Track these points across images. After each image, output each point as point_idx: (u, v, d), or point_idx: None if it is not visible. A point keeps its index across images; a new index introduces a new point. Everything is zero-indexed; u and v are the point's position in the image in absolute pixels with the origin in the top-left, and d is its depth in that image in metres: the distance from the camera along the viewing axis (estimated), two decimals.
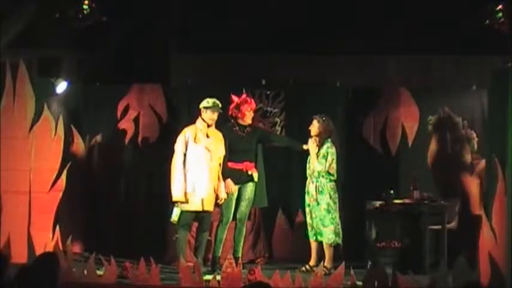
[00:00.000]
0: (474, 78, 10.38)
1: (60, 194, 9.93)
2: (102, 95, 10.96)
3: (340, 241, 9.43)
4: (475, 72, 10.36)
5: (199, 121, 9.44)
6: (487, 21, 8.96)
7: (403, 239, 9.58)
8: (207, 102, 9.39)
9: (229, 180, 9.45)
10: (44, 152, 9.85)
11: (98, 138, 10.89)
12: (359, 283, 8.34)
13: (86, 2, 9.47)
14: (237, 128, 9.58)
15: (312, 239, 9.51)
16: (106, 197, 10.83)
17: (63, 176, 9.98)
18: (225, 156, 9.48)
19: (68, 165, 10.06)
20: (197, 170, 9.31)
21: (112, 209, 10.78)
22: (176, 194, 9.27)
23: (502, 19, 8.86)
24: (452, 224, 9.93)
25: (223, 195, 9.40)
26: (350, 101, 10.79)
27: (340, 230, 9.44)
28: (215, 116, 9.38)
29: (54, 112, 10.01)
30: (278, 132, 10.79)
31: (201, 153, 9.33)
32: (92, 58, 10.55)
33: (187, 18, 10.67)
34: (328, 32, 10.26)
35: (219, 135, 9.48)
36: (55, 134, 9.94)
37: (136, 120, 10.95)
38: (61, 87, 10.23)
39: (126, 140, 10.95)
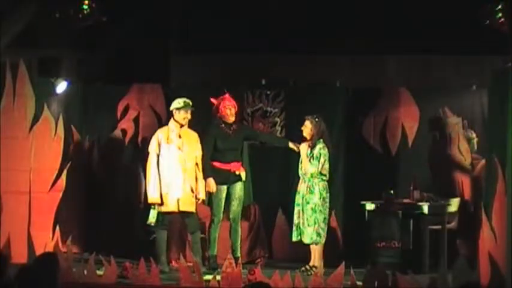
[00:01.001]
0: (474, 78, 10.38)
1: (60, 194, 9.94)
2: (102, 95, 10.95)
3: (320, 241, 9.35)
4: (475, 72, 10.36)
5: (171, 122, 9.44)
6: (487, 21, 8.96)
7: (403, 239, 9.58)
8: (178, 103, 9.38)
9: (210, 179, 9.44)
10: (44, 152, 9.85)
11: (98, 138, 10.87)
12: (359, 283, 8.34)
13: (86, 2, 9.47)
14: (224, 125, 9.59)
15: (294, 239, 9.48)
16: (106, 197, 10.82)
17: (63, 176, 9.99)
18: (202, 156, 9.47)
19: (68, 165, 10.07)
20: (171, 170, 9.33)
21: (112, 208, 10.77)
22: (151, 195, 9.31)
23: (502, 19, 8.86)
24: (452, 224, 9.92)
25: (201, 196, 9.40)
26: (350, 101, 10.78)
27: (323, 230, 9.37)
28: (188, 115, 9.38)
29: (54, 112, 10.01)
30: (278, 133, 10.79)
31: (174, 154, 9.34)
32: (92, 58, 10.55)
33: (187, 18, 10.67)
34: (328, 32, 10.27)
35: (193, 135, 9.47)
36: (55, 134, 9.94)
37: (136, 120, 10.94)
38: (61, 87, 10.22)
39: (126, 140, 10.95)
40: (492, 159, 8.63)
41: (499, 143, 8.57)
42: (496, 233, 8.49)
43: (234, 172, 9.59)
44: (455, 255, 8.87)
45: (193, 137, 9.46)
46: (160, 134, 9.44)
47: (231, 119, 9.60)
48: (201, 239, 9.66)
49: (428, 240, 9.53)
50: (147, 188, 9.37)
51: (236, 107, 9.71)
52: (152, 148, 9.40)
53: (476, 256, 8.66)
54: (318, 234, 9.33)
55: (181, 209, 9.34)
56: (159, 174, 9.31)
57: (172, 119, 9.45)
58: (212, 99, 9.67)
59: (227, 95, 9.66)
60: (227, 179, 9.56)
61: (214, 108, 9.62)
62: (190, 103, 9.39)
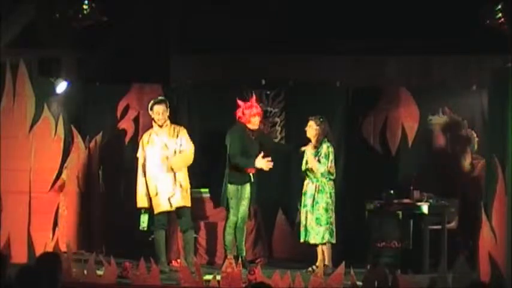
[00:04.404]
0: (474, 78, 10.38)
1: (60, 194, 9.94)
2: (102, 95, 10.95)
3: (333, 240, 9.42)
4: (475, 72, 10.36)
5: (153, 123, 9.50)
6: (487, 21, 8.96)
7: (403, 239, 9.58)
8: (149, 104, 9.45)
9: (261, 160, 9.49)
10: (44, 152, 9.86)
11: (98, 138, 10.87)
12: (359, 283, 8.34)
13: (86, 2, 9.47)
14: (248, 130, 9.64)
15: (302, 240, 9.49)
16: (106, 196, 10.82)
17: (63, 176, 9.99)
18: (229, 155, 9.56)
19: (68, 165, 10.07)
20: (157, 171, 9.37)
21: (112, 208, 10.76)
22: (139, 200, 9.40)
23: (502, 19, 8.86)
24: (452, 224, 9.92)
25: (173, 162, 9.36)
26: (350, 101, 10.79)
27: (334, 229, 9.43)
28: (158, 115, 9.35)
29: (54, 112, 10.02)
30: (278, 132, 10.81)
31: (157, 154, 9.39)
32: (92, 58, 10.55)
33: (187, 18, 10.67)
34: (328, 32, 10.26)
35: (175, 131, 9.46)
36: (55, 134, 9.95)
37: (136, 120, 10.94)
38: (61, 87, 10.23)
39: (126, 140, 10.94)
40: (492, 159, 8.64)
41: (499, 143, 8.57)
42: (496, 233, 8.51)
43: (249, 173, 9.64)
44: (455, 255, 8.87)
45: (177, 132, 9.46)
46: (144, 138, 9.54)
47: (254, 127, 9.67)
48: (194, 239, 9.73)
49: (428, 240, 9.53)
50: (137, 193, 9.42)
51: (261, 114, 9.78)
52: (138, 153, 9.50)
53: (476, 256, 8.67)
54: (330, 234, 9.37)
55: (174, 206, 9.37)
56: (146, 178, 9.37)
57: (152, 121, 9.51)
58: (239, 101, 9.70)
59: (253, 101, 9.71)
60: (243, 180, 9.67)
61: (241, 111, 9.64)
62: (159, 101, 9.41)
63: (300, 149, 9.65)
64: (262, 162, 9.55)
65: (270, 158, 9.57)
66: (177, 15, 10.72)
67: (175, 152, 9.39)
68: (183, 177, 9.42)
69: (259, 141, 9.77)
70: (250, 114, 9.63)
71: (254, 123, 9.68)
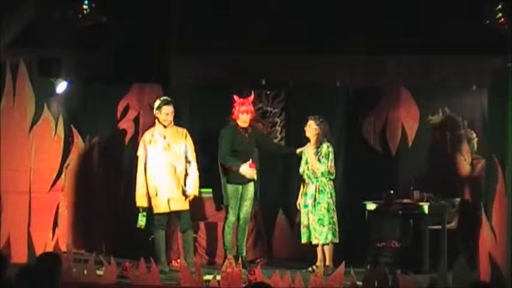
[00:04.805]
0: (474, 78, 10.37)
1: (60, 194, 9.94)
2: (102, 95, 10.96)
3: (336, 240, 9.43)
4: (475, 72, 10.35)
5: (156, 123, 9.48)
6: (487, 21, 8.96)
7: (403, 239, 9.59)
8: (155, 103, 9.44)
9: (245, 168, 9.45)
10: (44, 152, 9.86)
11: (98, 138, 10.87)
12: (359, 283, 8.35)
13: (86, 2, 9.46)
14: (239, 128, 9.62)
15: (305, 241, 9.50)
16: (106, 196, 10.82)
17: (63, 176, 9.98)
18: (220, 154, 9.54)
19: (68, 165, 10.06)
20: (158, 172, 9.36)
21: (112, 208, 10.77)
22: (137, 199, 9.37)
23: (502, 19, 8.86)
24: (452, 224, 9.93)
25: (191, 191, 9.37)
26: (350, 101, 10.78)
27: (337, 229, 9.44)
28: (166, 115, 9.34)
29: (54, 112, 10.02)
30: (278, 133, 10.81)
31: (159, 155, 9.38)
32: (92, 58, 10.55)
33: (187, 18, 10.67)
34: (328, 32, 10.26)
35: (181, 132, 9.47)
36: (55, 134, 9.95)
37: (136, 120, 10.94)
38: (61, 87, 10.23)
39: (126, 140, 10.94)
40: (492, 159, 8.65)
41: (499, 143, 8.58)
42: (496, 233, 8.51)
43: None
44: (455, 255, 8.88)
45: (180, 134, 9.47)
46: (146, 136, 9.51)
47: (242, 124, 9.63)
48: (194, 239, 9.73)
49: (428, 240, 9.53)
50: (136, 192, 9.41)
51: (253, 113, 9.75)
52: (139, 152, 9.46)
53: (476, 256, 8.67)
54: (333, 234, 9.39)
55: (172, 209, 9.37)
56: (147, 177, 9.36)
57: (156, 120, 9.48)
58: (235, 97, 9.69)
59: (248, 99, 9.70)
60: (243, 179, 9.61)
61: (234, 108, 9.64)
62: (167, 101, 9.40)
63: (297, 150, 9.66)
64: (246, 170, 9.50)
65: (254, 170, 9.50)
66: (177, 15, 10.72)
67: (178, 157, 9.37)
68: (183, 179, 9.42)
69: (257, 142, 9.74)
70: (239, 111, 9.61)
71: (243, 120, 9.63)
